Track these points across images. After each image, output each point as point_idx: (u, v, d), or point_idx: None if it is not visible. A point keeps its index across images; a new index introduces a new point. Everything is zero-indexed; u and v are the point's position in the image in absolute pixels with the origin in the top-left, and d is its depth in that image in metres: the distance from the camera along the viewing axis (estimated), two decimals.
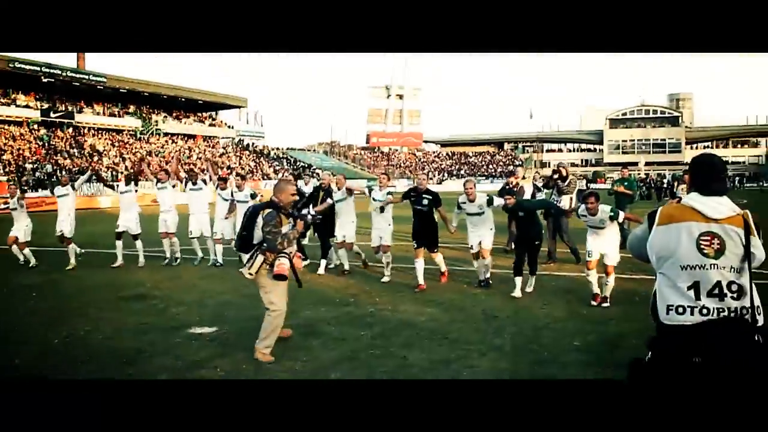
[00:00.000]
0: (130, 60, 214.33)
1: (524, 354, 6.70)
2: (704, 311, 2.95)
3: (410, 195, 10.65)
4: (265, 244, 6.24)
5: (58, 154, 51.37)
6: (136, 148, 60.11)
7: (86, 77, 59.06)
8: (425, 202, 10.39)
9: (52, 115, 57.64)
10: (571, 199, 12.79)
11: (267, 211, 6.24)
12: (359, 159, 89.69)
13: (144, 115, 68.02)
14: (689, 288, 3.00)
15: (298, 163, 76.80)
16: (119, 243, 13.14)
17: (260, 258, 6.23)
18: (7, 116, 54.51)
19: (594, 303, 8.85)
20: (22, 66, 53.17)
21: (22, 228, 13.15)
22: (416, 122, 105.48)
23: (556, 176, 12.98)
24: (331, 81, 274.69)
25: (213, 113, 78.68)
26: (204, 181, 13.68)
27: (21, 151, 48.89)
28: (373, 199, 11.37)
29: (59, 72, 56.56)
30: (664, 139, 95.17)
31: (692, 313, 2.96)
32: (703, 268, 2.99)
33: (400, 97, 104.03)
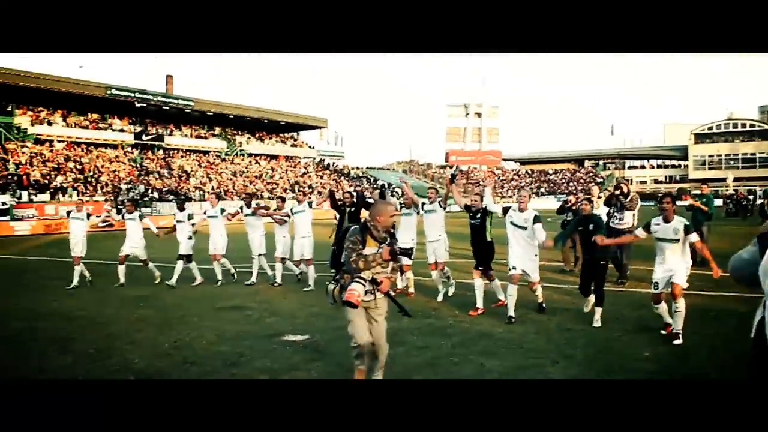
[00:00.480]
0: (216, 84, 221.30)
1: (594, 362, 6.90)
2: None
3: (470, 210, 10.41)
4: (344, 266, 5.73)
5: (150, 175, 53.90)
6: (221, 168, 62.32)
7: (175, 101, 61.89)
8: (478, 216, 10.22)
9: (144, 138, 60.60)
10: (633, 215, 12.66)
11: (352, 227, 5.76)
12: (438, 177, 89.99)
13: (229, 136, 70.50)
14: None
15: (378, 182, 77.79)
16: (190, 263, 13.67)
17: (336, 284, 5.74)
18: (104, 140, 57.78)
19: (664, 332, 8.15)
20: (118, 92, 56.33)
21: (140, 243, 13.79)
22: (495, 140, 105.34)
23: (617, 192, 12.84)
24: (410, 100, 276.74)
25: (295, 134, 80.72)
26: (309, 204, 13.53)
27: (116, 173, 51.55)
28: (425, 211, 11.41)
29: (150, 97, 59.52)
30: (754, 154, 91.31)
31: None
32: None
33: (479, 115, 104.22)
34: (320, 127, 79.00)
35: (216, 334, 8.56)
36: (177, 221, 13.82)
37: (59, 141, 54.46)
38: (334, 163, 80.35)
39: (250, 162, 68.40)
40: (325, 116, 79.19)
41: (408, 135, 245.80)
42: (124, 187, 48.44)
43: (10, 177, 43.31)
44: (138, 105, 58.93)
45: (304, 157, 77.85)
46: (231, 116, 67.39)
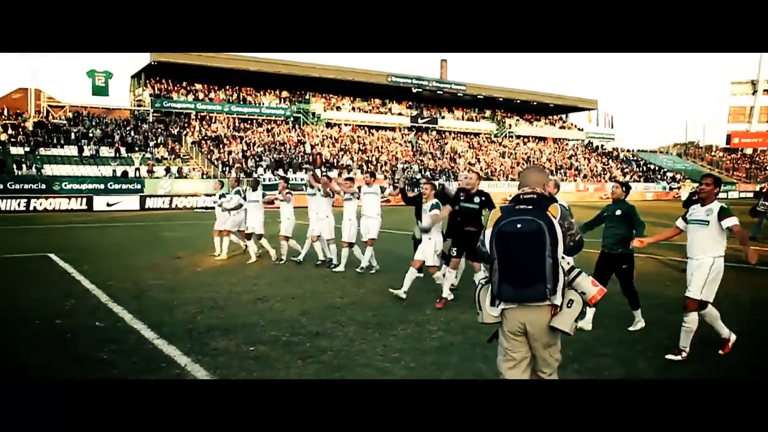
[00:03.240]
0: (487, 69, 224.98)
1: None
2: None
3: (459, 196, 9.42)
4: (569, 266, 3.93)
5: (424, 156, 57.96)
6: (490, 149, 64.64)
7: (449, 86, 65.45)
8: (476, 200, 9.18)
9: (419, 121, 65.00)
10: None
11: (560, 204, 4.08)
12: (717, 161, 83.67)
13: (498, 119, 72.53)
14: None
15: (645, 165, 74.85)
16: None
17: (577, 300, 3.85)
18: (384, 123, 63.15)
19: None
20: (397, 80, 61.27)
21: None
22: None
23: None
24: (687, 77, 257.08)
25: (563, 116, 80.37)
26: (382, 188, 12.72)
27: (394, 153, 56.24)
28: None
29: (426, 83, 63.71)
30: None
31: None
32: None
33: None
34: (590, 109, 77.73)
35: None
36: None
37: (346, 125, 60.73)
38: (602, 145, 78.59)
39: (518, 143, 69.82)
40: (595, 97, 77.76)
41: (685, 115, 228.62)
42: (400, 166, 52.80)
43: (306, 156, 49.71)
44: (415, 90, 63.39)
45: (572, 140, 77.25)
46: (501, 99, 69.31)
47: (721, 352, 6.46)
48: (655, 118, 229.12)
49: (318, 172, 13.84)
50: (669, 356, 6.29)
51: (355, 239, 12.28)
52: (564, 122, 79.92)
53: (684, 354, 6.26)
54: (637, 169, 72.31)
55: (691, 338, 6.23)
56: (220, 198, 14.50)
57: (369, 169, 43.19)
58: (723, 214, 6.25)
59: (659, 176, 71.33)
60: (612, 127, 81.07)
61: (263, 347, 6.55)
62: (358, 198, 12.42)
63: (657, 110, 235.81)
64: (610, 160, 73.12)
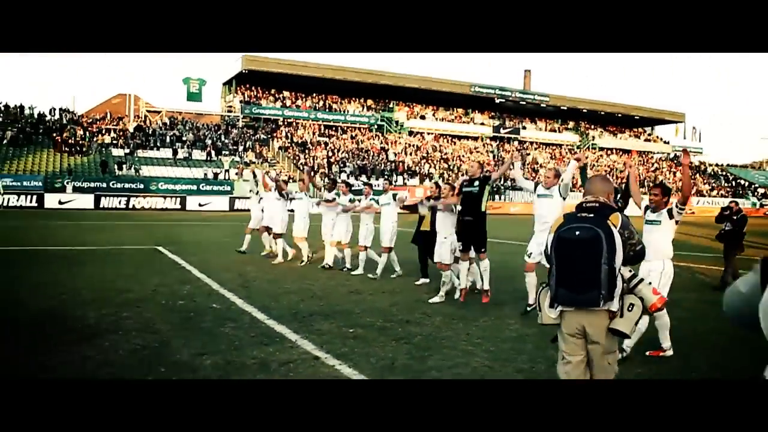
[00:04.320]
0: (572, 80, 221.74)
1: None
2: None
3: (462, 186, 9.58)
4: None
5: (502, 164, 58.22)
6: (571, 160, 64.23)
7: (532, 97, 65.58)
8: (476, 183, 9.30)
9: (501, 131, 65.31)
10: None
11: (619, 215, 4.02)
12: None
13: (582, 130, 71.95)
14: None
15: (735, 180, 72.62)
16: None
17: (637, 304, 3.97)
18: (466, 132, 63.87)
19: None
20: (480, 90, 61.94)
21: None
22: None
23: None
24: None
25: (649, 128, 78.95)
26: (394, 196, 12.30)
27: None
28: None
29: (509, 93, 64.04)
30: None
31: None
32: None
33: None
34: (677, 122, 76.11)
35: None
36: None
37: (428, 133, 61.62)
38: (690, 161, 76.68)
39: (601, 155, 69.07)
40: (682, 110, 76.07)
41: None
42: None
43: (388, 163, 50.81)
44: (497, 101, 63.82)
45: (657, 152, 75.79)
46: (584, 110, 68.85)
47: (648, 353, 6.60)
48: (748, 132, 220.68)
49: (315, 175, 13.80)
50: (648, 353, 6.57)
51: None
52: (649, 135, 78.52)
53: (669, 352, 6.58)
54: (726, 184, 70.35)
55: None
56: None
57: (449, 179, 43.86)
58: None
59: (749, 192, 69.18)
60: (700, 141, 79.15)
61: (361, 330, 7.41)
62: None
63: (751, 124, 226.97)
64: (697, 174, 71.36)
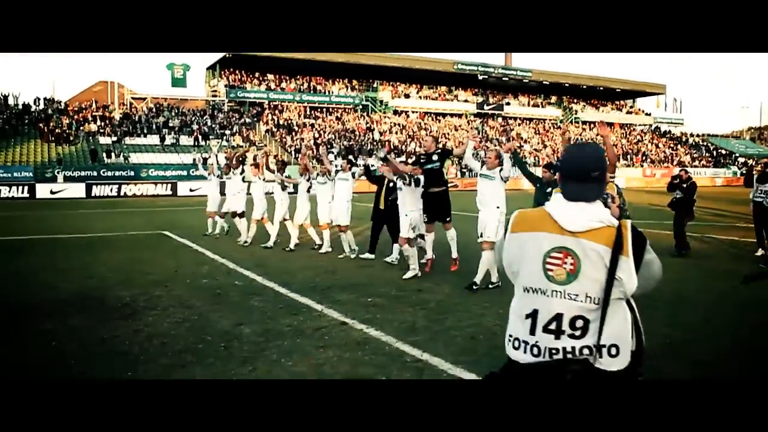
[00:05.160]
0: (553, 55, 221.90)
1: None
2: (534, 350, 2.34)
3: (419, 160, 10.01)
4: None
5: (489, 142, 58.81)
6: (556, 135, 65.04)
7: (514, 72, 66.10)
8: (435, 158, 9.64)
9: (485, 107, 65.87)
10: None
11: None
12: None
13: (565, 104, 72.71)
14: (527, 317, 2.38)
15: (716, 150, 73.80)
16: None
17: None
18: (450, 110, 64.39)
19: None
20: (463, 67, 62.30)
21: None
22: None
23: None
24: (760, 58, 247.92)
25: (630, 101, 79.82)
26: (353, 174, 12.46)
27: (461, 140, 57.34)
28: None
29: (492, 69, 64.51)
30: None
31: (525, 351, 2.36)
32: (544, 294, 2.34)
33: None
34: (657, 94, 77.03)
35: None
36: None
37: (413, 112, 62.11)
38: (670, 130, 77.78)
39: (584, 129, 69.92)
40: (663, 82, 76.93)
41: (760, 98, 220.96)
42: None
43: (374, 143, 51.34)
44: (480, 77, 64.32)
45: (640, 125, 76.75)
46: (566, 85, 69.53)
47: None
48: (727, 102, 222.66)
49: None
50: None
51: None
52: (631, 107, 79.40)
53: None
54: (707, 155, 71.50)
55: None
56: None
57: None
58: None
59: (730, 161, 70.35)
60: (680, 112, 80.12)
61: (378, 299, 8.06)
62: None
63: (730, 94, 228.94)
64: (679, 145, 72.48)
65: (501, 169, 8.74)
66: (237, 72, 57.48)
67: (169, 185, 39.74)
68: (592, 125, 71.53)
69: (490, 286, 8.75)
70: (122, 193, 38.10)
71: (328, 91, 60.14)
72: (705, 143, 76.10)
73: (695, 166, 63.76)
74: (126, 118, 48.38)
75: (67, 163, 39.57)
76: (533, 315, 2.35)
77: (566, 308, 2.29)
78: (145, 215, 23.15)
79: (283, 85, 58.69)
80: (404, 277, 9.61)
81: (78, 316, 7.25)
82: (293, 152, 46.80)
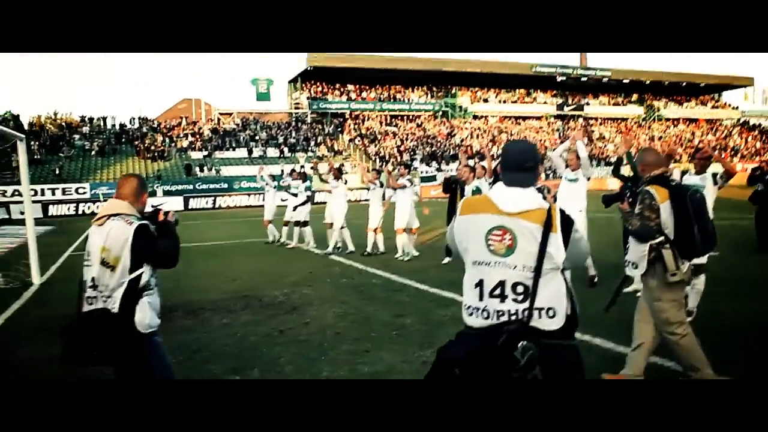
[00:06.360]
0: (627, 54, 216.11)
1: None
2: (485, 314, 2.72)
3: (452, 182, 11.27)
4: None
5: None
6: (638, 134, 63.80)
7: (593, 72, 65.19)
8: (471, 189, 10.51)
9: (565, 108, 65.25)
10: None
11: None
12: None
13: (646, 102, 71.19)
14: (476, 286, 2.78)
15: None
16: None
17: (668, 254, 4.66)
18: (530, 113, 64.05)
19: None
20: (541, 69, 61.93)
21: None
22: None
23: None
24: None
25: (716, 95, 77.37)
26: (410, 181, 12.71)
27: (542, 142, 57.01)
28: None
29: (570, 71, 63.85)
30: None
31: (477, 316, 2.75)
32: (488, 266, 2.74)
33: None
34: (745, 86, 74.40)
35: None
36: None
37: (492, 116, 62.13)
38: (760, 123, 74.94)
39: (668, 126, 68.33)
40: (751, 74, 74.16)
41: None
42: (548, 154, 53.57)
43: (456, 148, 51.67)
44: (559, 79, 63.77)
45: (727, 119, 74.32)
46: (648, 82, 68.07)
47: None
48: None
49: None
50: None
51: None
52: (717, 102, 76.96)
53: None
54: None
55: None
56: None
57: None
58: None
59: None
60: None
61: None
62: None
63: None
64: None
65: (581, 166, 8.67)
66: (318, 84, 58.81)
67: (261, 196, 40.89)
68: (676, 122, 69.82)
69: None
70: (217, 205, 39.64)
71: (408, 99, 60.83)
72: None
73: None
74: (215, 132, 50.24)
75: (164, 178, 41.46)
76: (480, 284, 2.74)
77: (507, 276, 2.69)
78: (247, 225, 24.16)
79: (364, 94, 59.69)
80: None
81: (244, 313, 7.91)
82: (377, 159, 47.57)
